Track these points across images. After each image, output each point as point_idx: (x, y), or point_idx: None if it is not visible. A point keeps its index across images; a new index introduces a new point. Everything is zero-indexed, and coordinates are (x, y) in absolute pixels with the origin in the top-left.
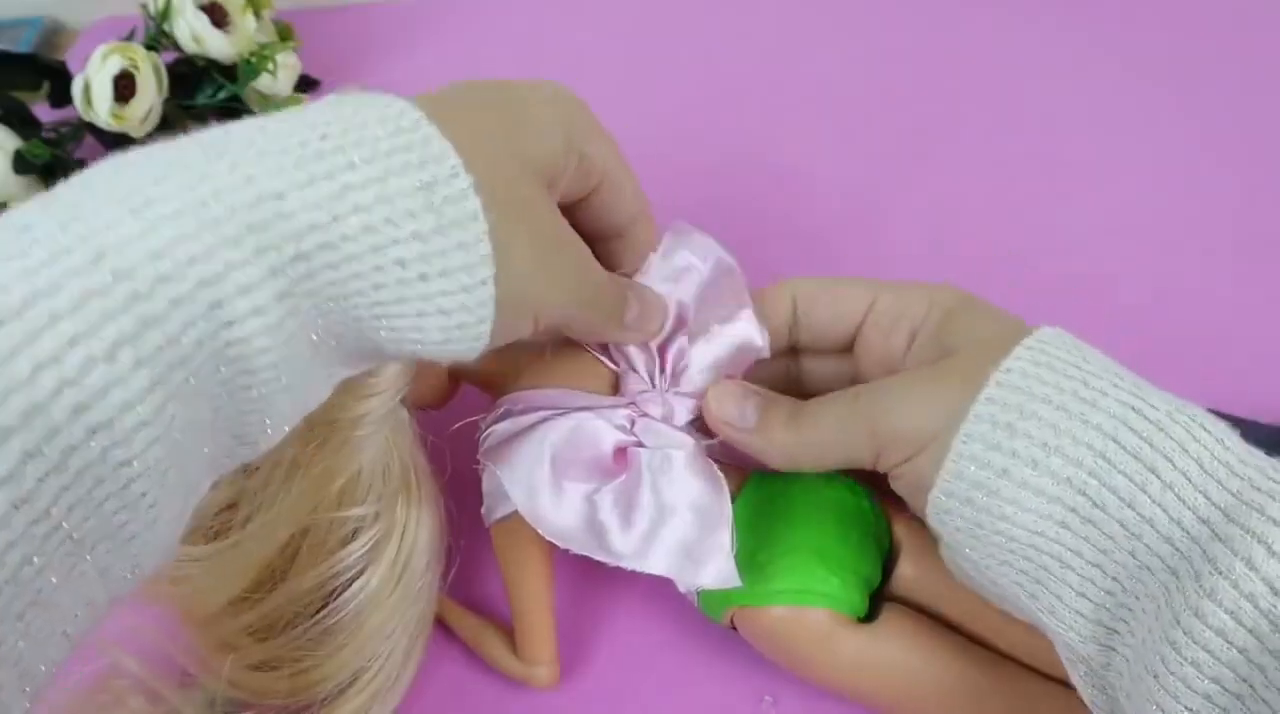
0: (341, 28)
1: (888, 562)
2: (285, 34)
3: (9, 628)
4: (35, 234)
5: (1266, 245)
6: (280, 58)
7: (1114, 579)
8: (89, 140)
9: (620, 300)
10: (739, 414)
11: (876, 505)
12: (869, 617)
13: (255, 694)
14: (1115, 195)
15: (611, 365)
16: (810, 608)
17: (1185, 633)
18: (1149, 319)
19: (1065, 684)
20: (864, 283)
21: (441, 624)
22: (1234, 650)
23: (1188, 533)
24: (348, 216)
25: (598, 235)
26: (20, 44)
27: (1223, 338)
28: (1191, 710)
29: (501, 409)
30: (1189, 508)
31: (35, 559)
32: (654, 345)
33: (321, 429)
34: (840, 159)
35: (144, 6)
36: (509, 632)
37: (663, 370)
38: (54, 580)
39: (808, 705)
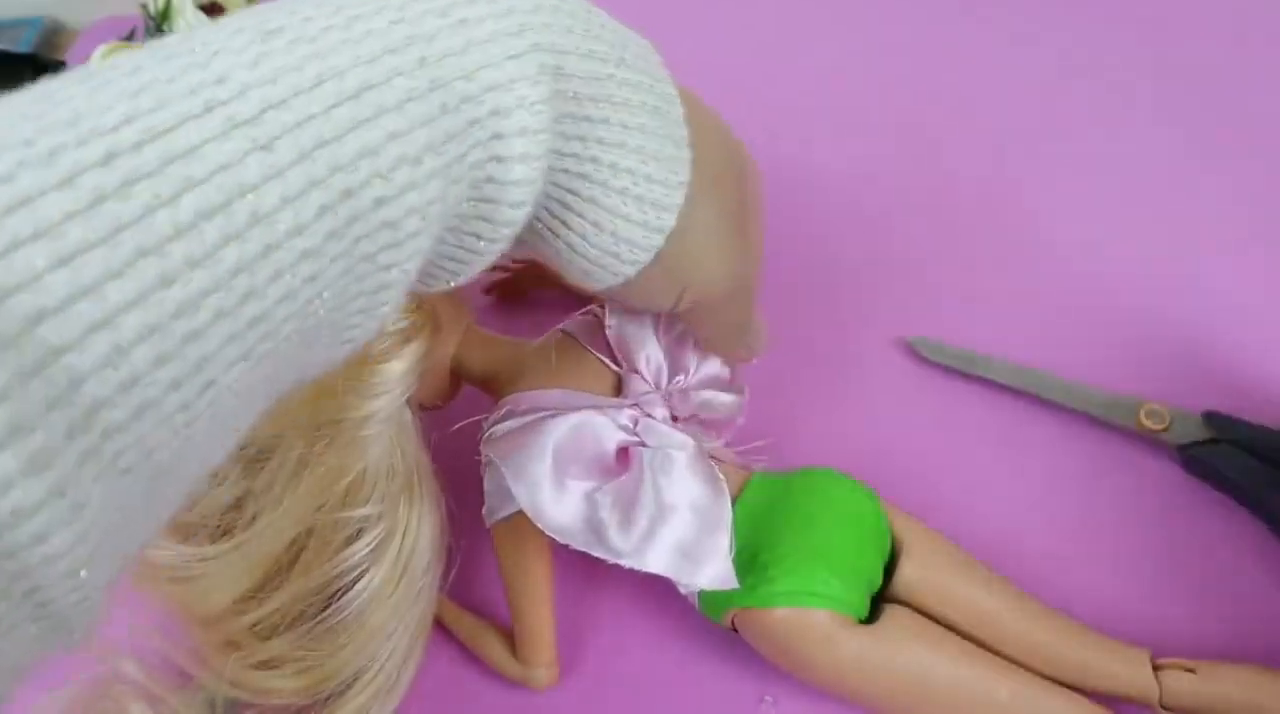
0: None
1: (889, 563)
2: None
3: (229, 406)
4: (366, 25)
5: (1267, 245)
6: None
7: None
8: None
9: (759, 317)
10: None
11: (878, 506)
12: (870, 618)
13: (257, 693)
14: (1115, 193)
15: (614, 367)
16: (811, 609)
17: None
18: (1149, 318)
19: (1065, 684)
20: None
21: (440, 625)
22: None
23: None
24: (606, 100)
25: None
26: (20, 44)
27: (1223, 337)
28: None
29: (504, 410)
30: None
31: (293, 337)
32: (657, 344)
33: (328, 428)
34: (839, 153)
35: (144, 6)
36: (507, 633)
37: (670, 373)
38: (274, 370)
39: (808, 706)
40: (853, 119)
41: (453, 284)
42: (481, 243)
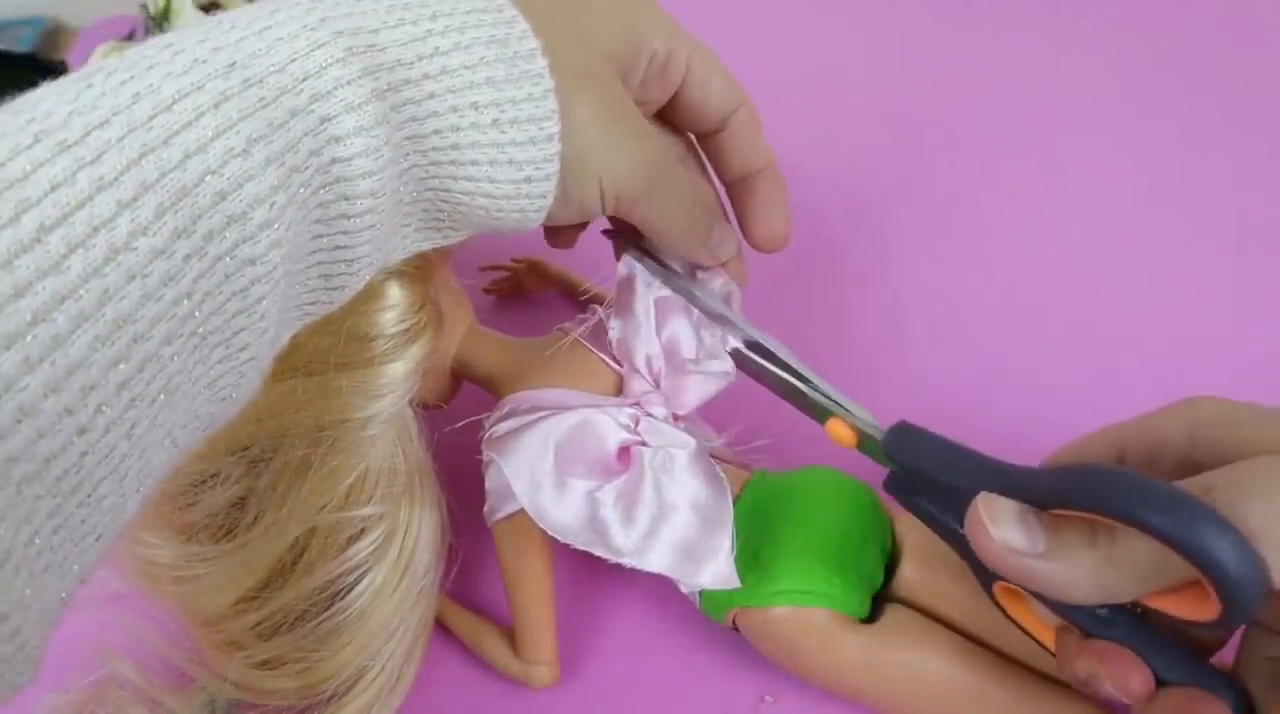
0: None
1: (890, 562)
2: None
3: (141, 412)
4: (177, 48)
5: (1267, 243)
6: None
7: None
8: None
9: (710, 207)
10: (1025, 537)
11: (878, 506)
12: (871, 617)
13: (259, 693)
14: (1113, 191)
15: (615, 366)
16: (812, 608)
17: None
18: (1148, 317)
19: (1066, 685)
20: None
21: (441, 624)
22: None
23: None
24: (429, 57)
25: (697, 132)
26: (20, 44)
27: (1222, 336)
28: None
29: (505, 409)
30: None
31: (174, 341)
32: (659, 345)
33: (332, 429)
34: (838, 154)
35: (144, 6)
36: (508, 632)
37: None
38: (181, 371)
39: (808, 706)
40: (852, 119)
41: (360, 275)
42: (351, 222)
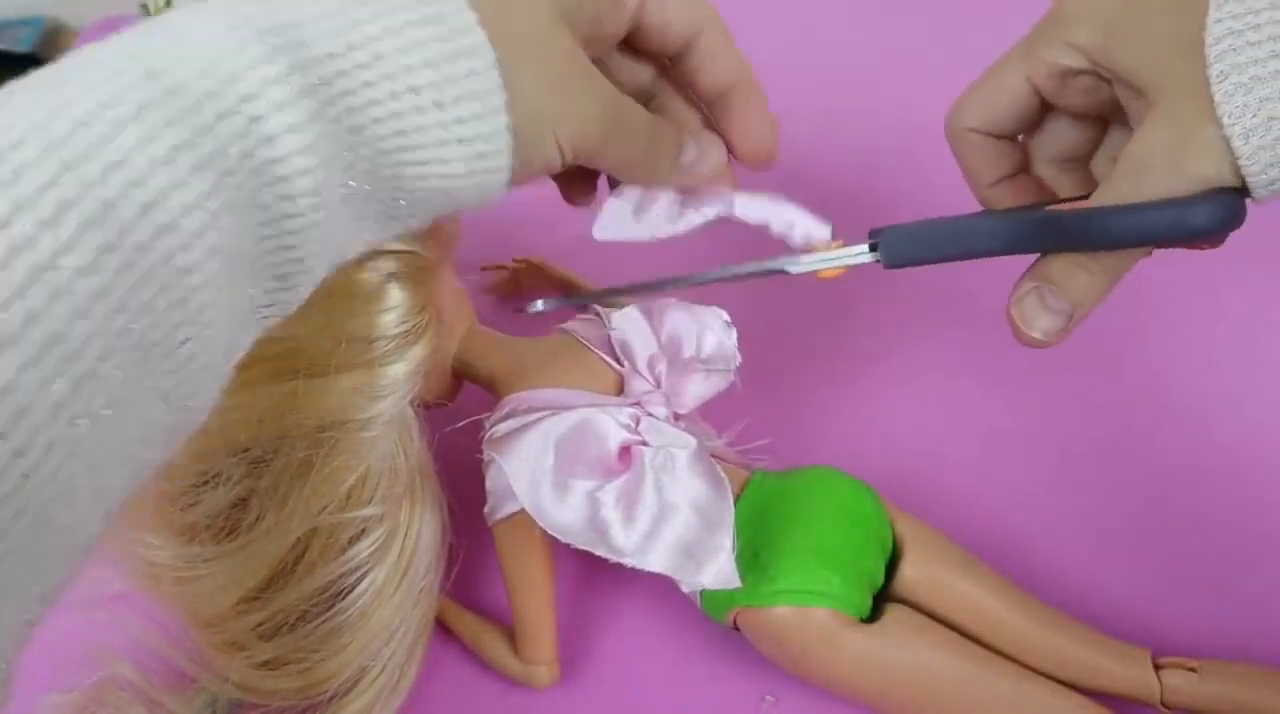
0: None
1: (890, 562)
2: None
3: (84, 430)
4: (94, 60)
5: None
6: None
7: None
8: None
9: (666, 137)
10: (1055, 321)
11: (879, 505)
12: (872, 617)
13: (260, 694)
14: None
15: (616, 366)
16: (813, 608)
17: None
18: (1149, 316)
19: (1065, 684)
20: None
21: (441, 624)
22: None
23: None
24: (360, 45)
25: (664, 55)
26: (20, 44)
27: (1223, 336)
28: None
29: (506, 409)
30: None
31: (112, 356)
32: (658, 344)
33: (333, 430)
34: (841, 152)
35: (144, 6)
36: (509, 632)
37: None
38: (126, 385)
39: (808, 705)
40: (856, 117)
41: (315, 272)
42: (295, 221)
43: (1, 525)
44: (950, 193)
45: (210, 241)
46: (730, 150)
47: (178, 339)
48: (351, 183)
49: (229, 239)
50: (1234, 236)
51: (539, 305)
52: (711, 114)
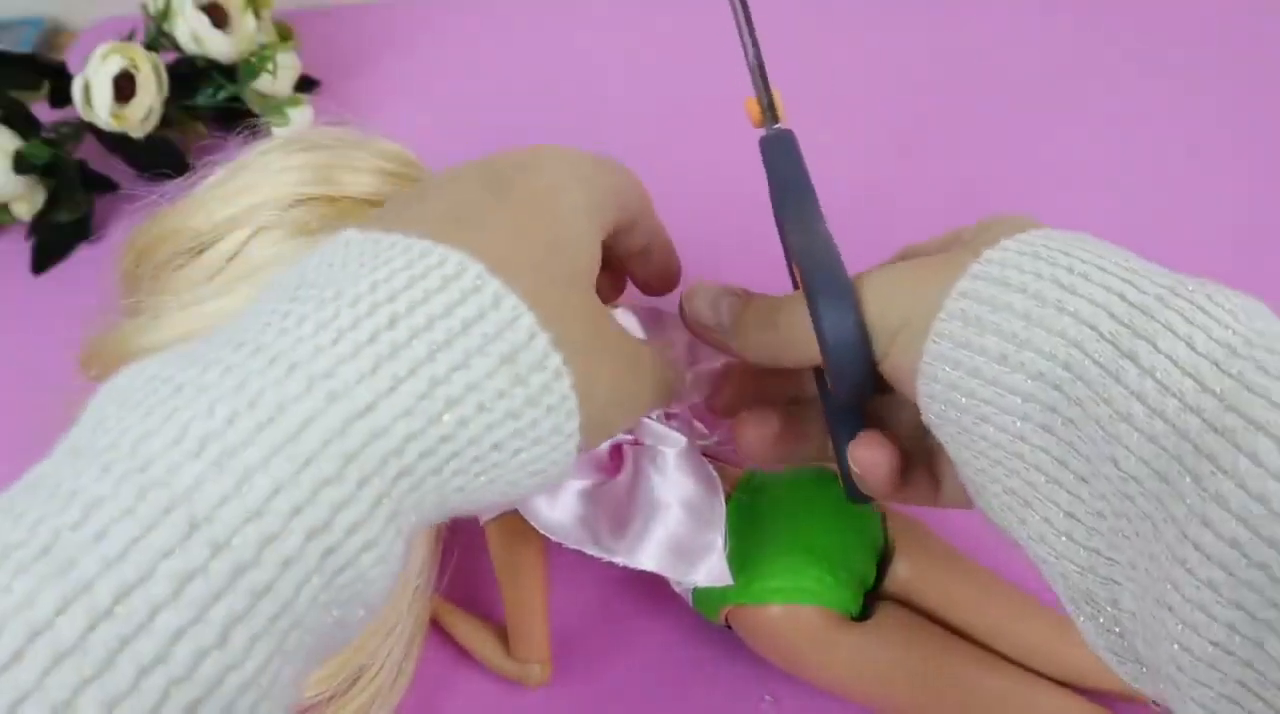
0: (341, 28)
1: (882, 561)
2: (285, 34)
3: None
4: (106, 504)
5: (1268, 242)
6: (280, 58)
7: (1101, 497)
8: (89, 140)
9: (674, 374)
10: (712, 315)
11: (870, 505)
12: (863, 615)
13: None
14: (1120, 190)
15: None
16: (803, 606)
17: (1195, 547)
18: None
19: (1060, 683)
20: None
21: (435, 624)
22: (1254, 567)
23: (1172, 425)
24: (441, 415)
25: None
26: (20, 44)
27: None
28: (1218, 644)
29: None
30: (1172, 395)
31: None
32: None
33: None
34: (844, 156)
35: (144, 6)
36: (502, 631)
37: None
38: None
39: (807, 705)
40: (859, 121)
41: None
42: (363, 601)
43: None
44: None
45: (253, 696)
46: (645, 287)
47: None
48: (415, 520)
49: (280, 678)
50: None
51: None
52: (628, 262)
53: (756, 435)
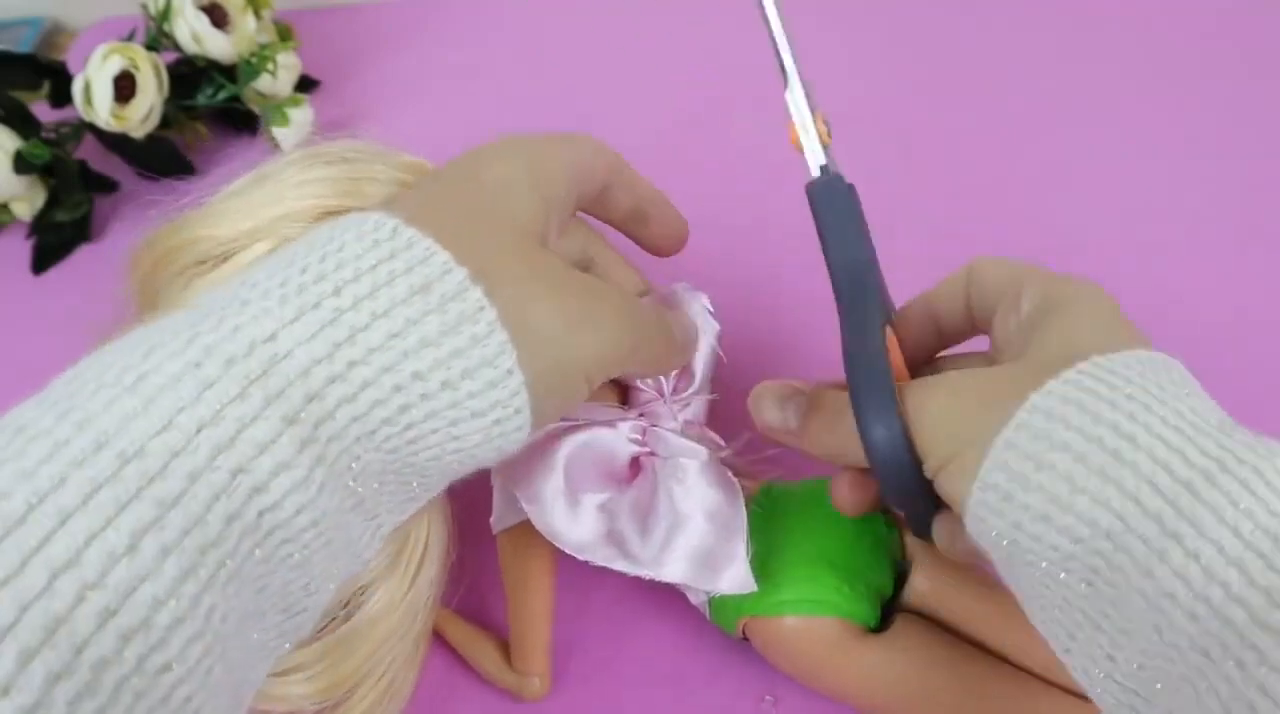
0: (341, 28)
1: (900, 573)
2: (285, 34)
3: None
4: (30, 432)
5: (1268, 242)
6: (280, 58)
7: (1143, 652)
8: (89, 140)
9: (667, 325)
10: (780, 418)
11: (888, 516)
12: (881, 627)
13: (269, 699)
14: (1117, 192)
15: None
16: (821, 618)
17: None
18: (1151, 317)
19: (1079, 697)
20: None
21: (438, 634)
22: None
23: (1217, 612)
24: (348, 342)
25: (617, 225)
26: (20, 44)
27: (1224, 334)
28: None
29: None
30: (1217, 583)
31: None
32: None
33: None
34: (843, 158)
35: (144, 6)
36: (502, 642)
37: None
38: None
39: (808, 706)
40: (857, 123)
41: (323, 592)
42: (296, 556)
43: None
44: (952, 196)
45: (189, 630)
46: (652, 250)
47: None
48: (360, 489)
49: (216, 617)
50: None
51: None
52: (627, 227)
53: (851, 499)
